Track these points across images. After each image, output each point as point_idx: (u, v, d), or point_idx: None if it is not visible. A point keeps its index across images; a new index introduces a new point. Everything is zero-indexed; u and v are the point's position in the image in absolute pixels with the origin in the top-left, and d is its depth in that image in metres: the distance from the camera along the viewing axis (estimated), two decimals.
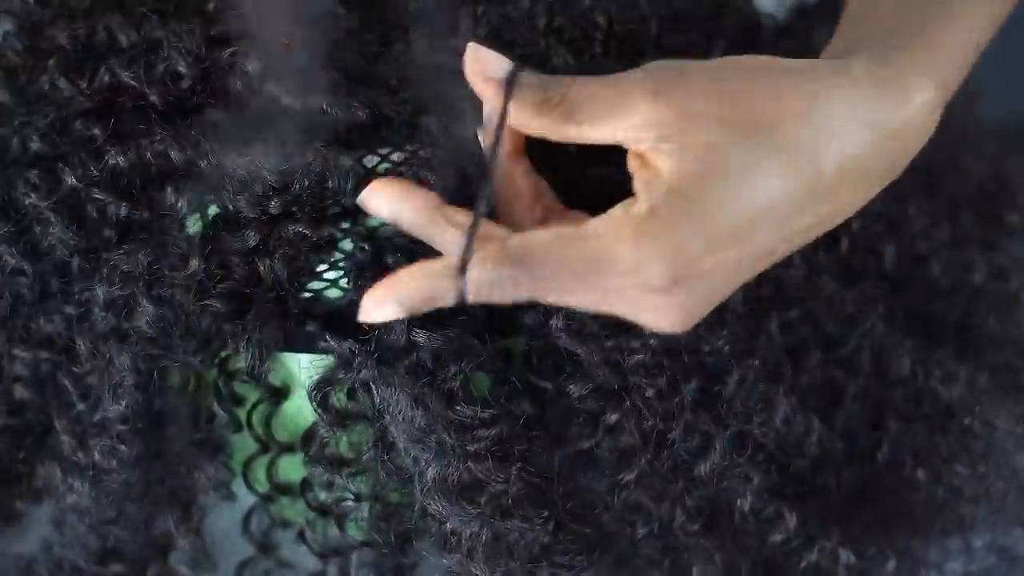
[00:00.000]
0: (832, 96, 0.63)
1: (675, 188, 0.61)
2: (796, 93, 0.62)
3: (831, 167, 0.63)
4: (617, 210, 0.62)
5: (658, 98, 0.62)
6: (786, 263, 0.72)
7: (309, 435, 0.71)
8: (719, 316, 0.70)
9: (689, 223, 0.61)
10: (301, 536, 0.73)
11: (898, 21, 0.68)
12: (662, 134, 0.62)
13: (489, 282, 0.62)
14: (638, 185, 0.63)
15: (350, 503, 0.71)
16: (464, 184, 0.68)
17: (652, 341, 0.70)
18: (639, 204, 0.62)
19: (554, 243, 0.62)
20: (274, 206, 0.69)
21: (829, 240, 0.76)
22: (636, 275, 0.62)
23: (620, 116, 0.62)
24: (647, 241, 0.61)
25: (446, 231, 0.65)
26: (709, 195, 0.61)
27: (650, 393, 0.70)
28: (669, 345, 0.70)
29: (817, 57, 0.69)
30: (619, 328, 0.69)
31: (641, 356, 0.69)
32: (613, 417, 0.70)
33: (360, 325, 0.68)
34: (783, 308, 0.73)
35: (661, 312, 0.63)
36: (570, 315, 0.68)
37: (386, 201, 0.66)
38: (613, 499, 0.70)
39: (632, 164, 0.64)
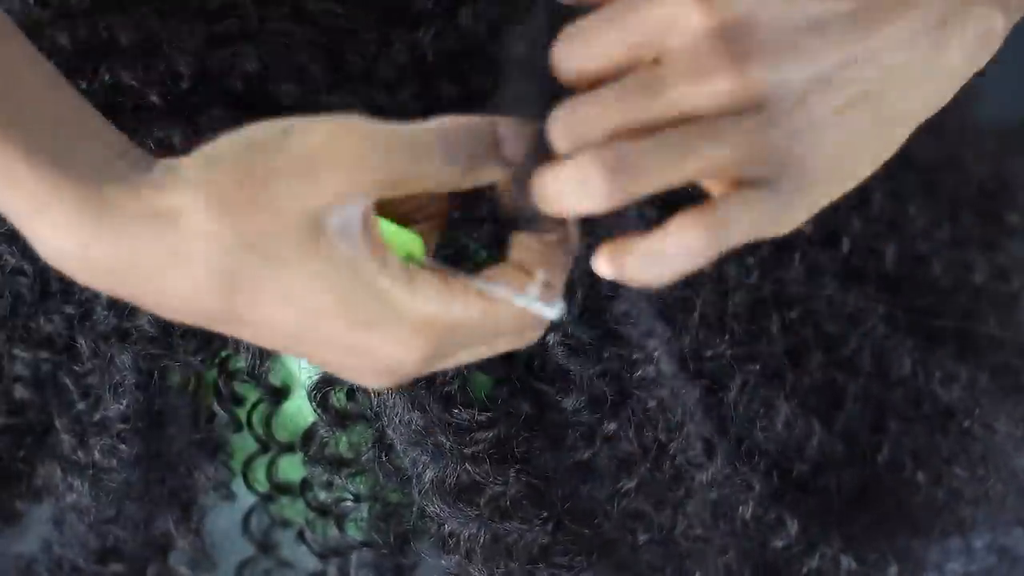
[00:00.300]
0: None
1: None
2: None
3: None
4: None
5: None
6: (786, 263, 0.72)
7: (309, 435, 0.71)
8: (720, 319, 0.70)
9: None
10: (301, 536, 0.73)
11: None
12: None
13: None
14: None
15: (349, 503, 0.71)
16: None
17: (656, 352, 0.70)
18: None
19: None
20: None
21: (830, 239, 0.76)
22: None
23: None
24: None
25: None
26: None
27: (651, 404, 0.70)
28: (672, 353, 0.70)
29: None
30: (620, 340, 0.69)
31: (642, 370, 0.69)
32: (611, 427, 0.70)
33: None
34: (784, 308, 0.73)
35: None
36: (565, 331, 0.69)
37: None
38: (613, 507, 0.70)
39: None
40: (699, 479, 0.71)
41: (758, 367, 0.72)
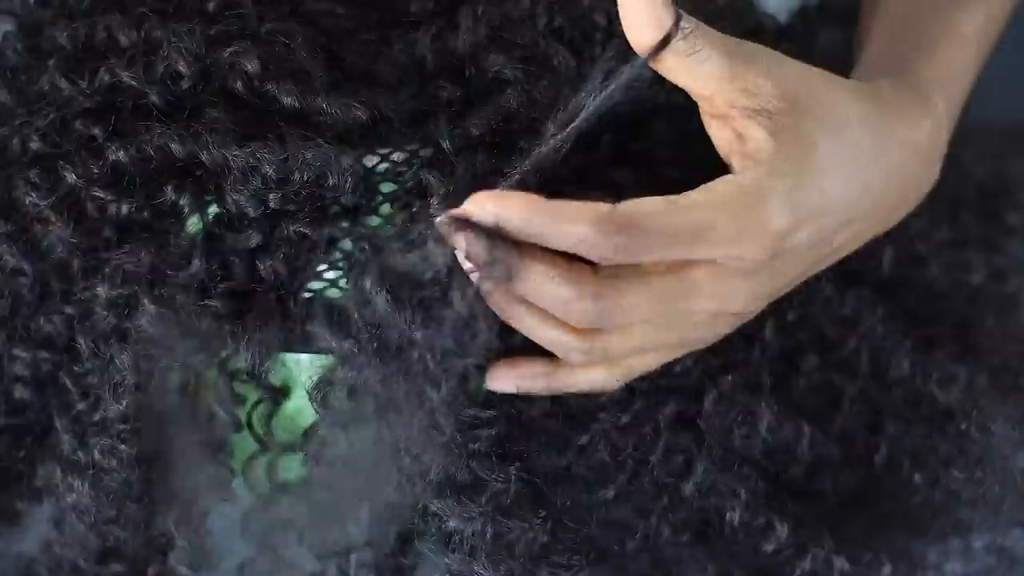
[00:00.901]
0: (875, 113, 0.67)
1: (776, 167, 0.64)
2: (858, 105, 0.67)
3: (877, 178, 0.67)
4: (720, 184, 0.64)
5: (770, 73, 0.65)
6: None
7: (309, 434, 0.71)
8: None
9: (787, 200, 0.64)
10: (300, 536, 0.73)
11: (908, 41, 0.72)
12: (764, 106, 0.65)
13: (593, 243, 0.62)
14: (736, 160, 0.65)
15: (348, 503, 0.71)
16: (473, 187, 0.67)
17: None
18: (743, 177, 0.64)
19: (662, 209, 0.63)
20: (274, 199, 0.69)
21: None
22: (736, 246, 0.63)
23: (735, 75, 0.65)
24: (750, 213, 0.63)
25: (562, 225, 0.63)
26: (804, 177, 0.65)
27: (624, 421, 0.70)
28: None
29: (818, 59, 0.70)
30: None
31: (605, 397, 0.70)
32: (583, 438, 0.70)
33: (360, 324, 0.68)
34: (780, 311, 0.73)
35: (744, 291, 0.65)
36: None
37: (491, 208, 0.65)
38: (599, 513, 0.71)
39: (723, 135, 0.66)
40: (683, 489, 0.71)
41: (732, 376, 0.72)
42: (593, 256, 0.62)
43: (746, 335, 0.72)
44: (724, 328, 0.67)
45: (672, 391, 0.71)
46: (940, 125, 0.70)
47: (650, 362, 0.68)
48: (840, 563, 0.72)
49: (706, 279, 0.64)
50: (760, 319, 0.72)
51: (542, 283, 0.63)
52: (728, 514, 0.72)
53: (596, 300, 0.63)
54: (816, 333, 0.74)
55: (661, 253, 0.63)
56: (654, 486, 0.71)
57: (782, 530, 0.72)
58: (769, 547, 0.73)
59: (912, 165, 0.69)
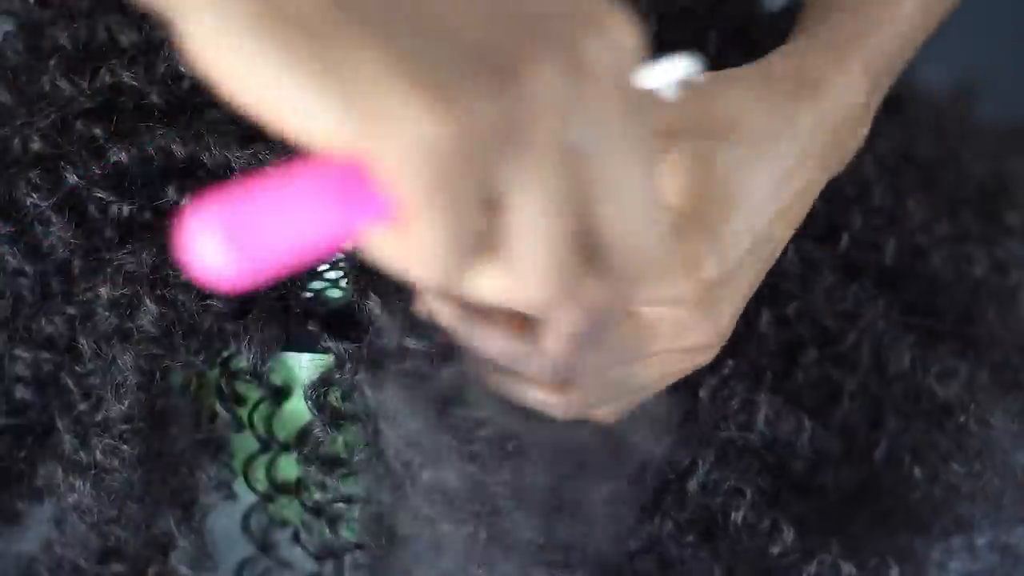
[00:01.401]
0: (764, 92, 0.67)
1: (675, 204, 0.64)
2: (740, 96, 0.67)
3: (790, 148, 0.66)
4: None
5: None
6: (783, 258, 0.72)
7: (304, 434, 0.71)
8: None
9: (701, 226, 0.64)
10: (296, 537, 0.73)
11: (837, 13, 0.71)
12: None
13: None
14: None
15: (343, 504, 0.71)
16: None
17: None
18: None
19: None
20: None
21: (828, 234, 0.76)
22: (665, 285, 0.64)
23: None
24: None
25: None
26: (708, 196, 0.64)
27: None
28: None
29: None
30: None
31: None
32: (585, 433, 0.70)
33: (358, 326, 0.68)
34: (780, 303, 0.74)
35: (698, 325, 0.65)
36: None
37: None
38: (601, 511, 0.71)
39: None
40: (687, 486, 0.71)
41: (730, 364, 0.72)
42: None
43: (746, 324, 0.72)
44: (701, 358, 0.67)
45: (674, 387, 0.71)
46: (855, 81, 0.69)
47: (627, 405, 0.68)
48: (848, 568, 0.72)
49: (657, 319, 0.65)
50: (758, 310, 0.72)
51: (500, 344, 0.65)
52: (733, 513, 0.72)
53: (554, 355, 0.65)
54: (816, 326, 0.74)
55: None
56: (657, 483, 0.71)
57: (788, 533, 0.72)
58: (775, 550, 0.73)
59: (826, 128, 0.68)
